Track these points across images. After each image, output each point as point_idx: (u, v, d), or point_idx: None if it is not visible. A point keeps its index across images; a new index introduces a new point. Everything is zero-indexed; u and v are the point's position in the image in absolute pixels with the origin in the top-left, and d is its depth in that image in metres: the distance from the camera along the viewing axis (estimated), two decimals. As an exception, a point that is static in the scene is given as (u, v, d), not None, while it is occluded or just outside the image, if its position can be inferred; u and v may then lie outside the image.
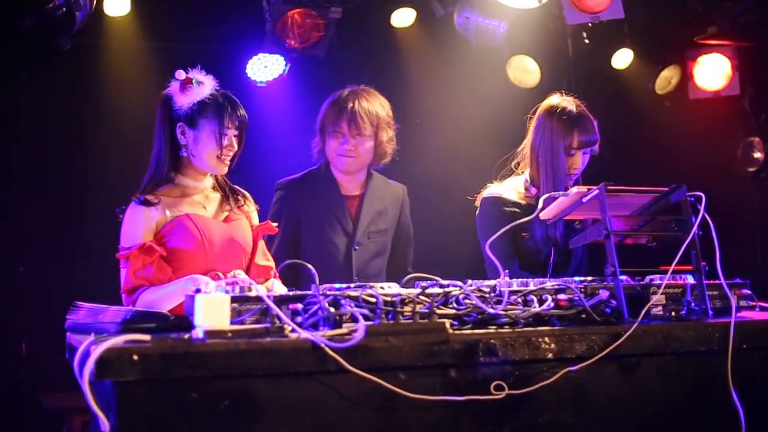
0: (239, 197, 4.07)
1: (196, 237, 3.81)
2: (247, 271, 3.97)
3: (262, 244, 4.11)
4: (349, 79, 6.84)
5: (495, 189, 4.39)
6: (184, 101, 3.88)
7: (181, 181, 3.95)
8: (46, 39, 5.60)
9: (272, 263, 4.09)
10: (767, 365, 3.19)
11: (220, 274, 3.76)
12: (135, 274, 3.72)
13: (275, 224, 4.16)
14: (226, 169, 3.94)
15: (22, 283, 6.15)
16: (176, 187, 3.94)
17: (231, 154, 3.89)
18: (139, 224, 3.82)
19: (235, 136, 3.89)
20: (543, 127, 4.29)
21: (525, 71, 6.97)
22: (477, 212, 4.40)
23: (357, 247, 4.81)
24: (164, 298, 3.60)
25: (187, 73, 3.90)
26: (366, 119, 4.78)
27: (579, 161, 4.28)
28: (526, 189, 4.35)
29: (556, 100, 4.34)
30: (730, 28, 6.89)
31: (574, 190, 3.33)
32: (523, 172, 4.41)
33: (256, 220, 4.15)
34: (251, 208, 4.14)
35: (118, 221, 3.86)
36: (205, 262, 3.81)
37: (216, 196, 4.02)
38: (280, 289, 3.89)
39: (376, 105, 4.85)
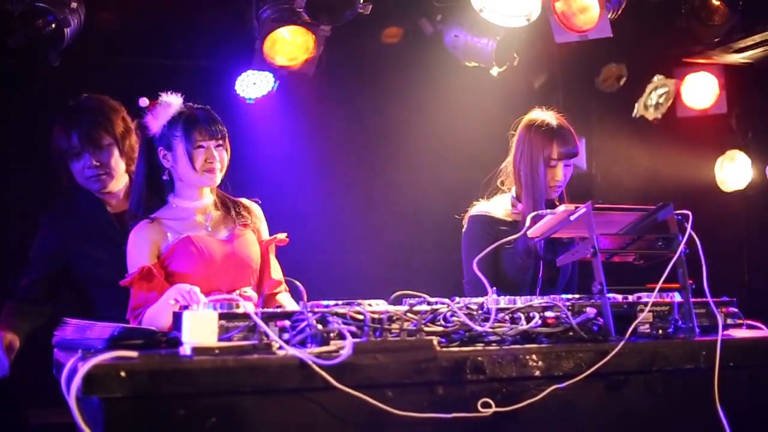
0: (243, 213, 4.04)
1: (197, 259, 3.80)
2: (260, 286, 3.98)
3: (273, 258, 4.10)
4: (338, 96, 6.85)
5: (482, 207, 4.40)
6: (155, 125, 3.91)
7: (177, 203, 3.94)
8: (35, 55, 5.59)
9: (282, 277, 4.07)
10: (754, 383, 3.21)
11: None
12: (138, 298, 3.72)
13: (284, 235, 4.13)
14: (215, 181, 3.92)
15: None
16: (173, 210, 3.94)
17: (213, 164, 3.87)
18: (140, 247, 3.83)
19: (216, 146, 3.89)
20: (523, 140, 4.32)
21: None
22: (463, 230, 4.40)
23: None
24: (159, 312, 3.59)
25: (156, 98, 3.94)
26: (101, 129, 4.42)
27: (560, 173, 4.30)
28: (513, 206, 4.36)
29: (535, 114, 4.38)
30: (717, 46, 6.92)
31: (562, 208, 3.34)
32: (509, 190, 4.43)
33: (264, 234, 4.13)
34: (257, 221, 4.11)
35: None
36: (209, 282, 3.78)
37: (218, 214, 4.00)
38: (289, 303, 3.92)
39: (106, 109, 4.49)
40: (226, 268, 3.86)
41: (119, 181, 4.49)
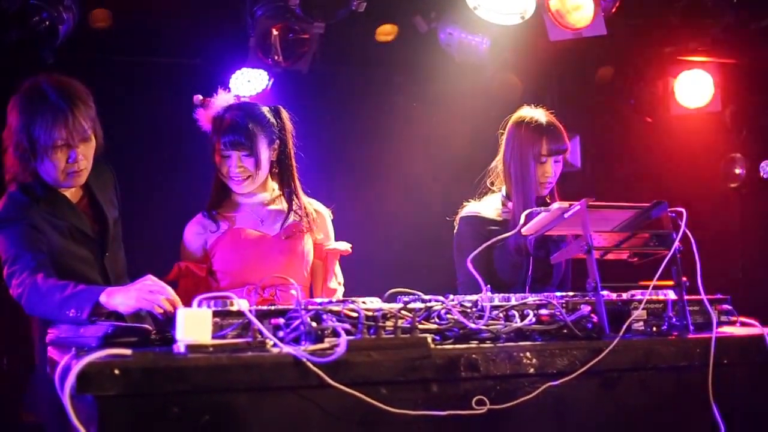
0: (302, 214, 4.08)
1: (238, 251, 3.87)
2: (315, 291, 4.01)
3: (335, 267, 4.17)
4: (332, 93, 6.83)
5: (473, 207, 4.39)
6: (205, 125, 3.98)
7: (234, 197, 4.06)
8: (29, 53, 5.58)
9: (339, 288, 4.15)
10: (748, 380, 3.21)
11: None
12: (186, 293, 3.63)
13: (348, 246, 4.19)
14: (241, 188, 3.99)
15: (2, 296, 6.11)
16: (233, 203, 4.06)
17: (233, 174, 3.92)
18: (189, 241, 4.01)
19: (242, 156, 3.92)
20: (512, 138, 4.33)
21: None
22: (455, 231, 4.40)
23: (107, 254, 3.80)
24: None
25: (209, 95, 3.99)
26: (85, 118, 3.66)
27: (550, 169, 4.30)
28: (504, 205, 4.36)
29: (524, 111, 4.39)
30: (711, 44, 6.93)
31: (556, 205, 3.34)
32: (499, 189, 4.43)
33: (327, 239, 4.20)
34: (322, 225, 4.18)
35: None
36: (247, 275, 3.87)
37: (278, 210, 4.08)
38: None
39: (84, 95, 3.77)
40: (270, 264, 3.93)
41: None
